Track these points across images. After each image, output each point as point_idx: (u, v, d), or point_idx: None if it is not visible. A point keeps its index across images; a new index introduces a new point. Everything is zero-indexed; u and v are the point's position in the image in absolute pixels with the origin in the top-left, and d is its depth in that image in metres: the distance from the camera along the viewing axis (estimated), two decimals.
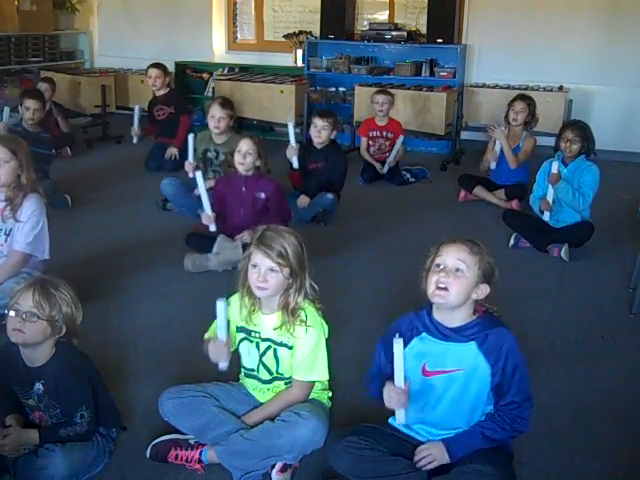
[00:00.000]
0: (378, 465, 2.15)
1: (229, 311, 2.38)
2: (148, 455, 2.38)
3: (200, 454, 2.34)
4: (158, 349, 3.15)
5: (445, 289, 2.08)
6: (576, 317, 3.59)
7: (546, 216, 4.50)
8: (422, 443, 2.22)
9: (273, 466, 2.29)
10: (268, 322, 2.34)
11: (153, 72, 6.41)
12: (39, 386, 2.24)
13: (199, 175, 4.10)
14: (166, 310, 3.57)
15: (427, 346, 2.19)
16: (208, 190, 4.15)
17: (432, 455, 2.13)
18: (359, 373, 2.81)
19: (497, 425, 2.13)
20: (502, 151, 5.39)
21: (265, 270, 2.23)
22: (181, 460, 2.34)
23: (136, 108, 6.29)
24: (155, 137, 6.48)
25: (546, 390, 2.86)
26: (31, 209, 3.33)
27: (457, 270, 2.09)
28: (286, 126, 4.90)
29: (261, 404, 2.43)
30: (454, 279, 2.08)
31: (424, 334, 2.19)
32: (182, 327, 3.36)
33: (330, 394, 2.47)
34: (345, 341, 3.19)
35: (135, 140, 6.31)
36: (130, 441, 2.46)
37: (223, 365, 2.35)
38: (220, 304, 2.27)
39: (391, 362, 2.13)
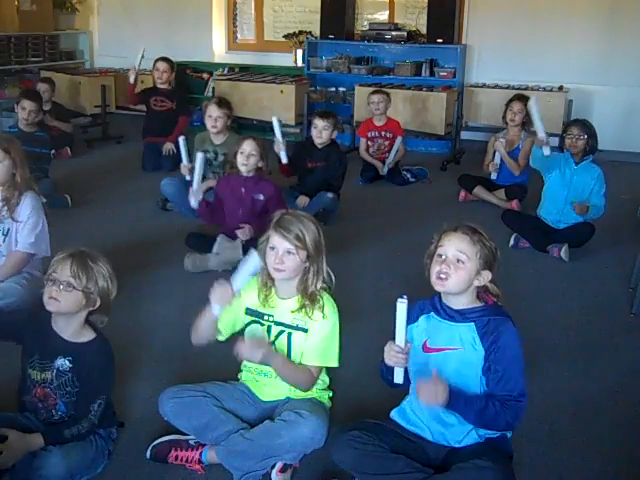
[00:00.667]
0: (379, 461, 2.15)
1: (242, 292, 2.37)
2: (148, 456, 2.38)
3: (200, 454, 2.34)
4: (158, 349, 3.15)
5: (445, 279, 2.14)
6: (576, 317, 3.59)
7: (545, 150, 4.51)
8: (424, 440, 2.23)
9: (273, 466, 2.29)
10: (285, 306, 2.35)
11: (162, 65, 6.39)
12: (64, 362, 2.24)
13: (200, 156, 4.21)
14: (166, 310, 3.57)
15: (432, 324, 2.25)
16: (207, 190, 4.18)
17: (432, 394, 2.07)
18: (360, 372, 2.82)
19: (493, 406, 2.10)
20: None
21: (282, 252, 2.27)
22: (181, 461, 2.34)
23: (142, 49, 6.25)
24: (143, 137, 6.44)
25: (546, 390, 2.86)
26: (29, 208, 3.32)
27: (458, 261, 2.14)
28: (275, 117, 4.90)
29: (262, 402, 2.43)
30: (455, 270, 2.13)
31: (432, 314, 2.25)
32: (182, 327, 3.33)
33: (331, 394, 2.48)
34: (346, 340, 3.16)
35: (132, 79, 6.28)
36: (130, 441, 2.46)
37: (216, 309, 2.27)
38: (253, 255, 2.25)
39: (394, 321, 2.14)
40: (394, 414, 2.33)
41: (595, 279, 4.10)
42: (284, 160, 4.90)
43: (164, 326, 3.39)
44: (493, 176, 5.47)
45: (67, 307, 2.21)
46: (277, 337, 2.36)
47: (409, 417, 2.29)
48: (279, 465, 2.28)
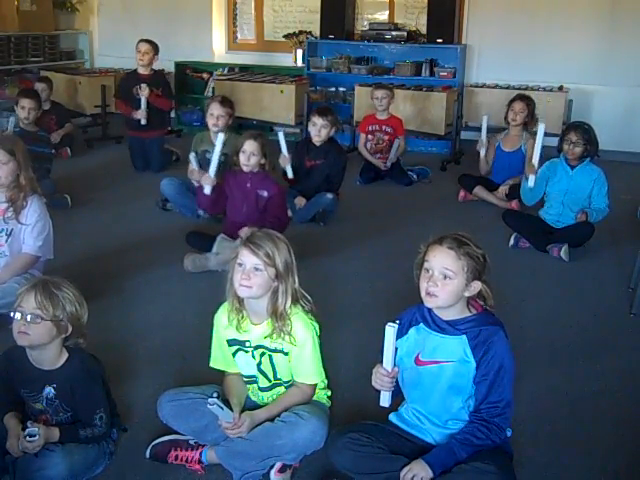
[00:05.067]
0: (378, 462, 2.16)
1: (218, 327, 2.40)
2: (148, 455, 2.38)
3: (200, 454, 2.34)
4: (158, 349, 3.15)
5: (434, 296, 2.12)
6: (576, 317, 3.59)
7: (531, 180, 4.53)
8: (424, 442, 2.23)
9: (272, 466, 2.29)
10: (258, 331, 2.33)
11: (143, 46, 6.17)
12: (50, 390, 2.23)
13: (221, 136, 4.24)
14: (166, 310, 3.57)
15: (422, 336, 2.23)
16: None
17: (417, 474, 2.09)
18: (359, 372, 2.82)
19: (473, 436, 2.12)
20: (501, 152, 5.44)
21: (250, 268, 2.23)
22: (181, 460, 2.34)
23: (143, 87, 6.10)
24: (127, 128, 6.31)
25: (546, 390, 2.86)
26: (37, 212, 3.34)
27: (445, 277, 2.11)
28: (281, 132, 4.89)
29: (261, 404, 2.42)
30: (442, 287, 2.11)
31: (422, 325, 2.24)
32: (182, 327, 3.36)
33: (329, 393, 2.47)
34: (345, 341, 3.19)
35: (143, 121, 6.09)
36: (130, 441, 2.46)
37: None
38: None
39: (381, 344, 2.16)
40: (393, 417, 2.33)
41: (595, 279, 4.10)
42: (290, 175, 4.87)
43: (163, 326, 3.39)
44: (482, 153, 5.49)
45: (38, 339, 2.18)
46: (261, 359, 2.35)
47: (408, 421, 2.30)
48: (278, 465, 2.28)
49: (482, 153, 5.55)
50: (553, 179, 4.53)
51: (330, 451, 2.22)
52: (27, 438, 2.12)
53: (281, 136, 4.77)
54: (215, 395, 2.17)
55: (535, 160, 4.50)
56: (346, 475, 2.23)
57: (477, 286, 2.15)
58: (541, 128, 4.53)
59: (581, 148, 4.41)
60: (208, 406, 2.15)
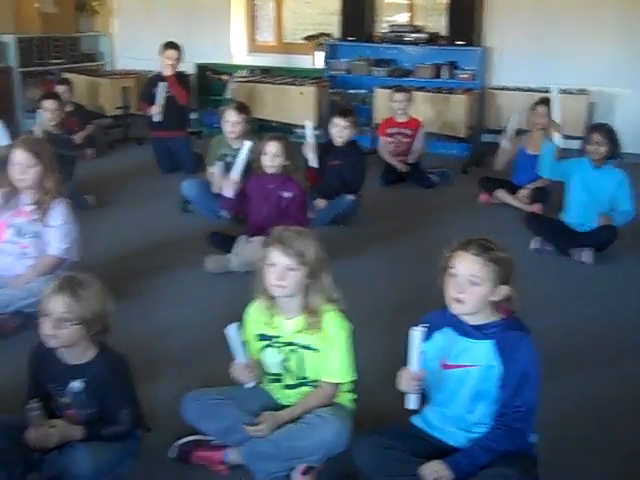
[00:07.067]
0: (400, 465, 2.15)
1: (249, 322, 2.39)
2: (171, 455, 2.39)
3: (223, 455, 2.34)
4: (180, 350, 3.16)
5: (461, 302, 2.12)
6: (599, 322, 3.56)
7: (558, 139, 4.59)
8: (447, 445, 2.22)
9: (295, 469, 2.28)
10: (290, 326, 2.34)
11: (174, 54, 6.24)
12: (77, 384, 2.24)
13: (247, 144, 4.29)
14: (188, 311, 3.58)
15: (449, 340, 2.22)
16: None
17: (436, 471, 2.10)
18: (382, 375, 2.80)
19: (495, 441, 2.12)
20: (525, 154, 5.40)
21: (283, 269, 2.23)
22: (204, 461, 2.35)
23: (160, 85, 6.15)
24: (150, 129, 6.36)
25: (569, 395, 2.84)
26: (63, 214, 3.38)
27: (472, 284, 2.10)
28: (303, 127, 4.94)
29: (285, 405, 2.42)
30: (469, 293, 2.11)
31: (448, 328, 2.22)
32: (203, 328, 3.36)
33: (355, 396, 2.46)
34: (368, 343, 3.16)
35: (158, 118, 6.16)
36: (153, 441, 2.46)
37: (249, 385, 2.36)
38: (231, 329, 2.24)
39: (407, 347, 2.16)
40: (416, 420, 2.32)
41: (619, 283, 4.05)
42: (311, 163, 4.86)
43: (186, 327, 3.40)
44: (504, 144, 5.45)
45: (68, 340, 2.20)
46: (289, 357, 2.35)
47: (432, 424, 2.29)
48: (301, 467, 2.27)
49: (503, 144, 5.47)
50: (576, 177, 4.50)
51: (353, 452, 2.22)
52: (30, 413, 2.13)
53: (308, 124, 4.79)
54: (237, 325, 2.17)
55: (557, 118, 4.48)
56: (367, 477, 2.22)
57: (504, 291, 2.13)
58: (555, 89, 4.82)
59: (605, 148, 4.39)
60: (225, 331, 2.14)
